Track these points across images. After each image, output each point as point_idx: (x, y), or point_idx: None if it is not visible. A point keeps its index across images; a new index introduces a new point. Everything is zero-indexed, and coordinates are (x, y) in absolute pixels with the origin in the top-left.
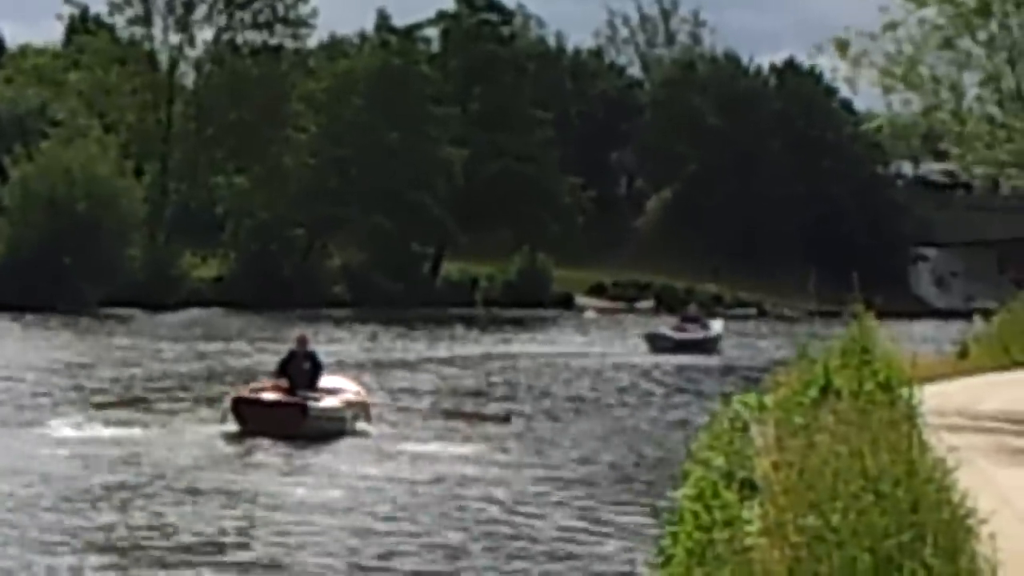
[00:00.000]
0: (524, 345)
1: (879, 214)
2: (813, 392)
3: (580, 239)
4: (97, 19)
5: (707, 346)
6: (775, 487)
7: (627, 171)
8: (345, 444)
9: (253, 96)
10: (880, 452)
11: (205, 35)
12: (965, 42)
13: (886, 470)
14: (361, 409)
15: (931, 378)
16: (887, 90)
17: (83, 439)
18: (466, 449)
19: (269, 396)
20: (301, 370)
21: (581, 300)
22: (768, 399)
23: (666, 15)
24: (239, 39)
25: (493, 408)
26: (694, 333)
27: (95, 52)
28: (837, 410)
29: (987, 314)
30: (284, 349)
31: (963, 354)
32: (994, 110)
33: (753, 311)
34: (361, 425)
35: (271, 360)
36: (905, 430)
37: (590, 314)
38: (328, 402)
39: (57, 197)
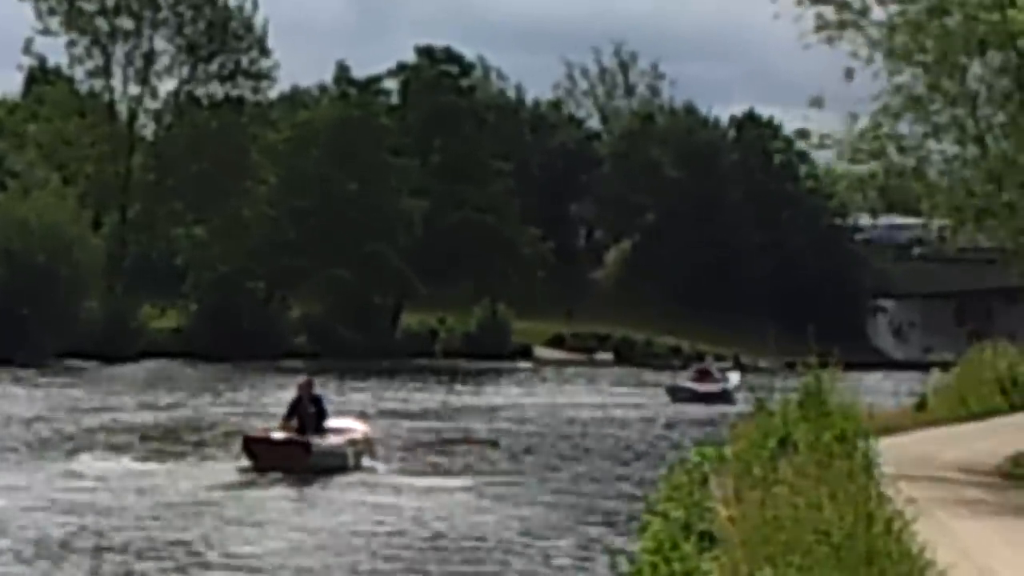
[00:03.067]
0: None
1: (838, 265)
2: (772, 444)
3: (540, 290)
4: (57, 70)
5: (725, 397)
6: (734, 539)
7: (586, 222)
8: (345, 478)
9: (213, 148)
10: (838, 504)
11: (166, 87)
12: (933, 103)
13: (844, 522)
14: (365, 446)
15: (889, 430)
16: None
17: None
18: (457, 483)
19: (277, 435)
20: (307, 412)
21: (540, 351)
22: (727, 450)
23: (625, 68)
24: (200, 91)
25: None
26: (712, 385)
27: (54, 103)
28: (795, 462)
29: (944, 366)
30: (242, 399)
31: (921, 406)
32: (956, 166)
33: (730, 364)
34: (366, 461)
35: (233, 411)
36: (863, 482)
37: (525, 364)
38: (331, 440)
39: (14, 249)
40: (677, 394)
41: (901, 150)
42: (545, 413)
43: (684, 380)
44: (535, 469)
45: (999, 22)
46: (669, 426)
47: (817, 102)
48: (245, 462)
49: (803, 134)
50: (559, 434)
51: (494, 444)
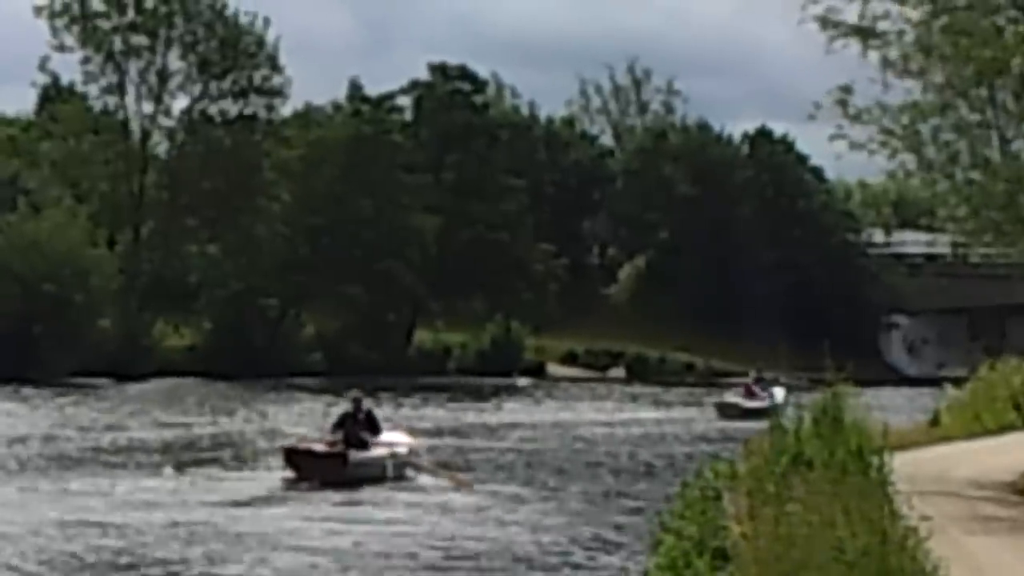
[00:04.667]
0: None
1: (851, 281)
2: (785, 460)
3: (553, 307)
4: (71, 88)
5: (771, 412)
6: (747, 556)
7: (599, 239)
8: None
9: (226, 165)
10: (852, 521)
11: (179, 104)
12: (961, 109)
13: (858, 539)
14: (407, 460)
15: (903, 446)
16: (882, 150)
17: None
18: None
19: (316, 448)
20: (356, 424)
21: (553, 369)
22: (740, 467)
23: (638, 85)
24: (213, 109)
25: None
26: (760, 401)
27: (68, 121)
28: (809, 479)
29: (957, 382)
30: (256, 416)
31: (935, 422)
32: (974, 174)
33: (751, 379)
34: (410, 473)
35: (247, 428)
36: (877, 499)
37: (523, 382)
38: (371, 453)
39: (27, 268)
40: (726, 411)
41: (935, 142)
42: (593, 430)
43: (732, 396)
44: (581, 486)
45: (991, 59)
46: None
47: (842, 101)
48: (289, 473)
49: (843, 101)
50: (619, 452)
51: (471, 486)
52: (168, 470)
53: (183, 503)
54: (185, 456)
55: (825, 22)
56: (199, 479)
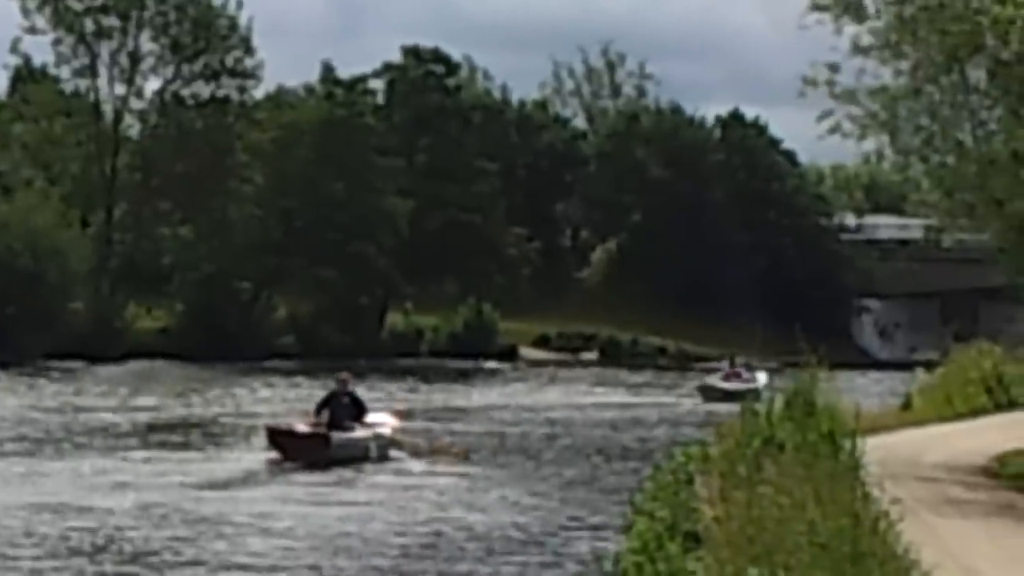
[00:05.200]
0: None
1: (823, 266)
2: (757, 444)
3: (525, 290)
4: (43, 70)
5: (753, 395)
6: (719, 539)
7: (572, 222)
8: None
9: (198, 148)
10: (824, 504)
11: (151, 86)
12: (934, 93)
13: (830, 522)
14: (391, 440)
15: (875, 430)
16: (863, 132)
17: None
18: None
19: (299, 428)
20: (342, 406)
21: (526, 351)
22: (712, 450)
23: (611, 68)
24: (185, 91)
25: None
26: (741, 384)
27: (40, 103)
28: (781, 462)
29: (929, 366)
30: (227, 398)
31: (906, 406)
32: (948, 158)
33: (726, 364)
34: (394, 453)
35: (221, 411)
36: (849, 482)
37: (490, 364)
38: (354, 434)
39: None
40: (709, 393)
41: (910, 125)
42: (580, 413)
43: (715, 380)
44: (562, 467)
45: (970, 33)
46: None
47: (810, 82)
48: (273, 454)
49: (830, 81)
50: (600, 435)
51: (466, 455)
52: (140, 452)
53: (155, 485)
54: (157, 438)
55: None
56: (171, 461)
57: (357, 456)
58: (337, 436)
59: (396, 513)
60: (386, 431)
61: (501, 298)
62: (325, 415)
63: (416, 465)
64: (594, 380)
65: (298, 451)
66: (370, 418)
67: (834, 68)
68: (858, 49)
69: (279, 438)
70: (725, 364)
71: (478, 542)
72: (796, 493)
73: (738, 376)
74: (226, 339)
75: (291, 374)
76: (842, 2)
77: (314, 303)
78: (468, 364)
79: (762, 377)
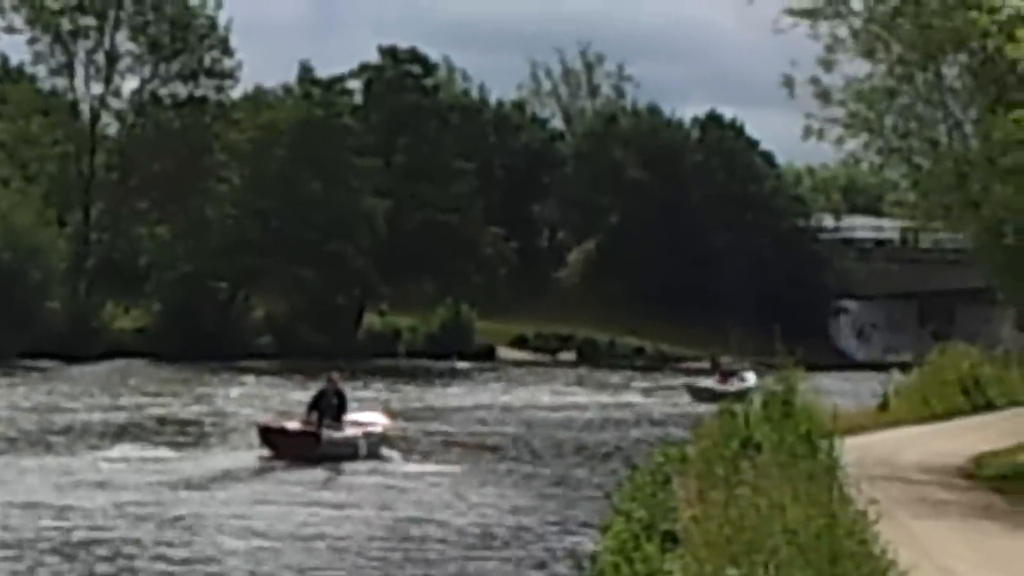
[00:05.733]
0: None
1: (801, 266)
2: (734, 444)
3: (503, 291)
4: (19, 68)
5: (744, 396)
6: (696, 539)
7: (549, 223)
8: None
9: (176, 147)
10: (801, 505)
11: (129, 86)
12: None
13: (807, 523)
14: (381, 438)
15: (852, 430)
16: (846, 132)
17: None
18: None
19: (290, 426)
20: (330, 404)
21: (503, 352)
22: (690, 450)
23: (589, 68)
24: (163, 91)
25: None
26: (731, 385)
27: (17, 102)
28: (758, 463)
29: (905, 367)
30: (203, 399)
31: (883, 407)
32: (923, 160)
33: (707, 365)
34: (384, 451)
35: (198, 410)
36: (826, 483)
37: (461, 364)
38: (344, 432)
39: None
40: (700, 394)
41: (895, 130)
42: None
43: (706, 381)
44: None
45: (952, 28)
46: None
47: (789, 82)
48: (264, 451)
49: (815, 79)
50: (605, 435)
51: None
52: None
53: (131, 484)
54: (133, 438)
55: None
56: (147, 460)
57: (347, 454)
58: (327, 434)
59: (372, 512)
60: (376, 429)
61: (478, 298)
62: (316, 414)
63: (402, 463)
64: (573, 380)
65: (289, 449)
66: (361, 416)
67: (825, 65)
68: (833, 49)
69: (271, 436)
70: (708, 364)
71: (454, 541)
72: (774, 493)
73: (730, 377)
74: (203, 339)
75: (268, 374)
76: (819, 6)
77: (291, 303)
78: (445, 364)
79: (752, 378)
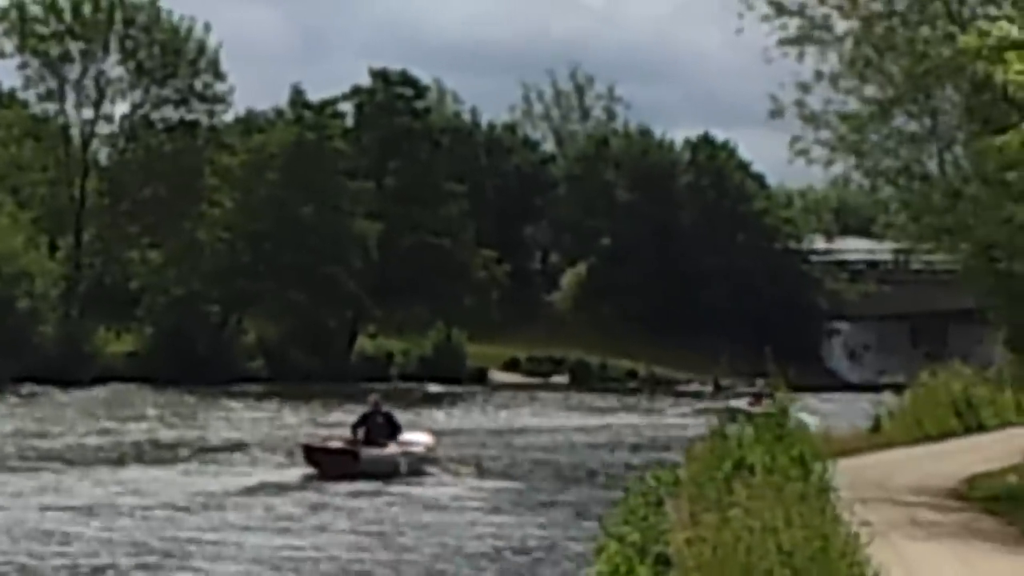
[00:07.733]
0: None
1: (793, 288)
2: (727, 466)
3: (495, 313)
4: (11, 93)
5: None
6: (689, 562)
7: (541, 245)
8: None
9: (168, 171)
10: (794, 527)
11: (120, 110)
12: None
13: (800, 545)
14: (422, 457)
15: (844, 452)
16: (832, 154)
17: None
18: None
19: (331, 444)
20: (376, 424)
21: (495, 375)
22: (682, 473)
23: (580, 91)
24: (154, 115)
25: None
26: (763, 408)
27: (7, 127)
28: (751, 485)
29: (898, 388)
30: (196, 423)
31: (876, 428)
32: (912, 184)
33: (709, 388)
34: (429, 468)
35: (190, 434)
36: (819, 505)
37: (456, 388)
38: (385, 450)
39: None
40: (735, 417)
41: (885, 151)
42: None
43: (740, 404)
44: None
45: (949, 57)
46: None
47: (778, 110)
48: (309, 469)
49: (800, 101)
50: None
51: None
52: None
53: (125, 509)
54: (125, 462)
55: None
56: (141, 482)
57: (387, 471)
58: (367, 452)
59: (362, 534)
60: (418, 449)
61: (470, 321)
62: (361, 433)
63: (445, 482)
64: (566, 403)
65: (330, 466)
66: (406, 436)
67: (805, 88)
68: (821, 75)
69: (314, 455)
70: (709, 387)
71: (446, 562)
72: (766, 516)
73: (761, 399)
74: (195, 363)
75: (260, 397)
76: (807, 34)
77: (283, 326)
78: (438, 388)
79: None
